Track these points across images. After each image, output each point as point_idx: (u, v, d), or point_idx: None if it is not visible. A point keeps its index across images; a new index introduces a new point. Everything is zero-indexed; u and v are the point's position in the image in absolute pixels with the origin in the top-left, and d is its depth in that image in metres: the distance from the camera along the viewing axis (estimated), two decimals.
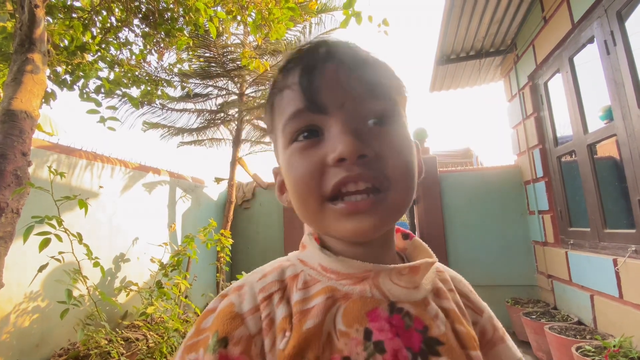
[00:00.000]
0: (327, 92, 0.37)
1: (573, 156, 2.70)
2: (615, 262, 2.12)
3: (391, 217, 0.38)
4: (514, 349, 0.47)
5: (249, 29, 2.59)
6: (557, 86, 2.83)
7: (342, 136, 0.35)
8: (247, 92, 4.46)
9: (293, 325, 0.36)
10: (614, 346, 1.84)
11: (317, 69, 0.38)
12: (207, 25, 2.34)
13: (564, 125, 2.84)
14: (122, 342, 2.19)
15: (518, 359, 0.46)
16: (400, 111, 0.41)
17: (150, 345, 2.20)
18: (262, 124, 4.78)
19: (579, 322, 2.52)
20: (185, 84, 3.84)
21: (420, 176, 0.44)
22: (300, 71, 0.38)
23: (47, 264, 1.85)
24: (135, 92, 2.92)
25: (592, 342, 2.03)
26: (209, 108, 4.53)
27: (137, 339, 2.26)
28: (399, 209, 0.39)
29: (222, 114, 4.52)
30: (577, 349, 1.97)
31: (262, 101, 4.23)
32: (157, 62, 3.13)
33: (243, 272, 2.80)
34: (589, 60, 2.39)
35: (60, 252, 1.89)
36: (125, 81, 2.61)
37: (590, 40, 2.30)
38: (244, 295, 0.40)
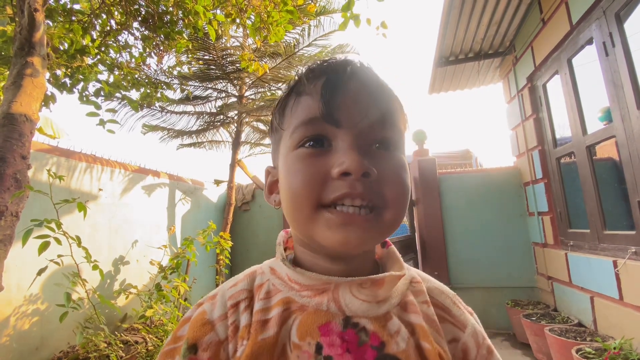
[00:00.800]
0: (345, 109, 0.39)
1: (572, 157, 2.70)
2: (615, 264, 2.12)
3: (381, 235, 0.39)
4: None
5: (248, 32, 2.59)
6: (556, 88, 2.84)
7: (350, 152, 0.37)
8: (246, 94, 4.46)
9: (250, 335, 0.38)
10: (615, 348, 1.84)
11: (341, 85, 0.40)
12: (206, 28, 2.35)
13: (563, 126, 2.85)
14: (122, 345, 2.18)
15: None
16: (403, 141, 0.44)
17: (149, 348, 2.20)
18: (261, 126, 4.79)
19: (579, 324, 2.51)
20: (184, 87, 3.85)
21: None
22: (325, 82, 0.40)
23: (46, 267, 1.85)
24: (134, 94, 2.93)
25: (593, 344, 2.02)
26: (208, 110, 4.53)
27: (137, 342, 2.26)
28: (390, 228, 0.40)
29: (221, 116, 4.52)
30: (578, 351, 1.96)
31: (262, 103, 4.24)
32: (157, 65, 3.14)
33: None
34: (588, 62, 2.40)
35: (59, 255, 1.89)
36: (124, 84, 2.61)
37: (589, 42, 2.31)
38: (216, 303, 0.42)
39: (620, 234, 2.18)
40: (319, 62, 0.44)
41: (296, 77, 0.45)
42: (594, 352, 1.92)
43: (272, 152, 0.50)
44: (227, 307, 0.41)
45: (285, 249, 0.48)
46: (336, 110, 0.39)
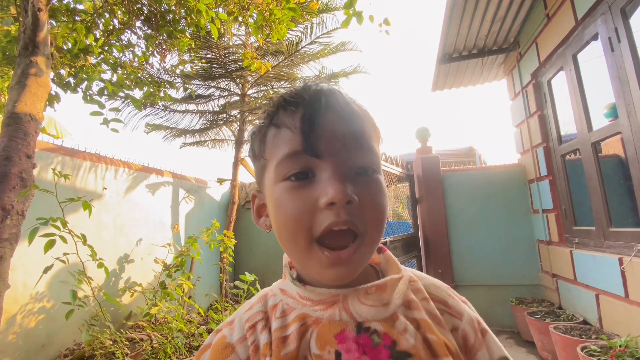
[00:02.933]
0: (325, 140, 0.41)
1: (577, 154, 2.67)
2: (620, 261, 2.10)
3: (366, 258, 0.43)
4: (495, 347, 0.47)
5: (250, 30, 2.59)
6: (560, 84, 2.81)
7: (334, 182, 0.39)
8: (249, 92, 4.47)
9: (272, 351, 0.41)
10: (620, 346, 1.82)
11: (318, 118, 0.42)
12: (208, 27, 2.35)
13: (568, 123, 2.82)
14: (127, 343, 2.20)
15: (502, 357, 0.46)
16: (379, 160, 0.46)
17: (154, 345, 2.22)
18: None
19: (584, 322, 2.50)
20: (187, 86, 3.86)
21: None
22: (302, 116, 0.42)
23: (52, 265, 1.86)
24: (138, 93, 2.93)
25: (598, 342, 2.01)
26: (211, 109, 4.54)
27: (142, 340, 2.28)
28: (372, 249, 0.43)
29: (224, 115, 4.53)
30: (583, 348, 1.95)
31: (264, 102, 4.24)
32: (160, 64, 3.15)
33: (246, 273, 2.81)
34: (593, 58, 2.37)
35: (65, 254, 1.91)
36: (128, 83, 2.62)
37: (594, 38, 2.28)
38: (234, 328, 0.46)
39: (626, 231, 2.16)
40: (293, 93, 0.45)
41: (272, 107, 0.47)
42: (599, 350, 1.91)
43: (256, 177, 0.51)
44: (245, 330, 0.44)
45: (290, 268, 0.51)
46: (316, 143, 0.41)
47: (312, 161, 0.41)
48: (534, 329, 2.66)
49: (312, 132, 0.41)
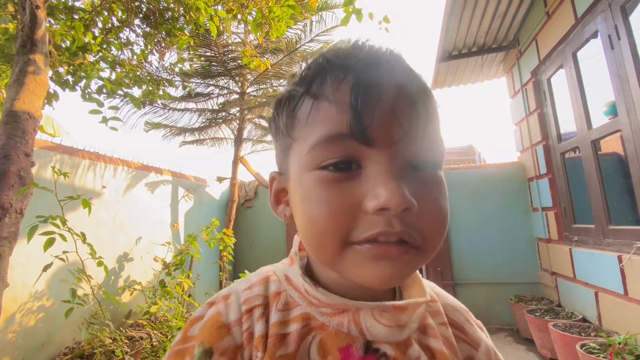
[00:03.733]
0: (382, 124, 0.32)
1: (577, 152, 2.68)
2: (620, 259, 2.10)
3: (417, 267, 0.35)
4: None
5: (249, 28, 2.58)
6: (560, 82, 2.81)
7: (389, 182, 0.30)
8: (248, 90, 4.46)
9: (267, 348, 0.35)
10: (619, 343, 1.83)
11: (375, 92, 0.32)
12: (207, 25, 2.34)
13: (567, 121, 2.82)
14: (127, 341, 2.20)
15: None
16: (443, 156, 0.37)
17: (154, 343, 2.22)
18: (263, 123, 4.78)
19: (584, 320, 2.51)
20: (186, 84, 3.85)
21: None
22: (353, 88, 0.32)
23: (51, 264, 1.86)
24: (136, 92, 2.92)
25: (597, 340, 2.02)
26: (210, 107, 4.53)
27: (141, 338, 2.28)
28: (425, 261, 0.35)
29: (223, 113, 4.52)
30: (582, 346, 1.96)
31: (264, 100, 4.23)
32: (158, 62, 3.14)
33: (246, 271, 2.80)
34: (593, 55, 2.37)
35: (64, 252, 1.90)
36: (126, 81, 2.61)
37: (594, 35, 2.28)
38: (230, 305, 0.39)
39: (625, 229, 2.16)
40: (341, 52, 0.35)
41: (309, 70, 0.37)
42: (598, 347, 1.91)
43: (278, 157, 0.42)
44: (242, 311, 0.38)
45: (301, 256, 0.44)
46: (370, 126, 0.31)
47: (360, 149, 0.32)
48: (533, 327, 2.67)
49: (364, 112, 0.31)
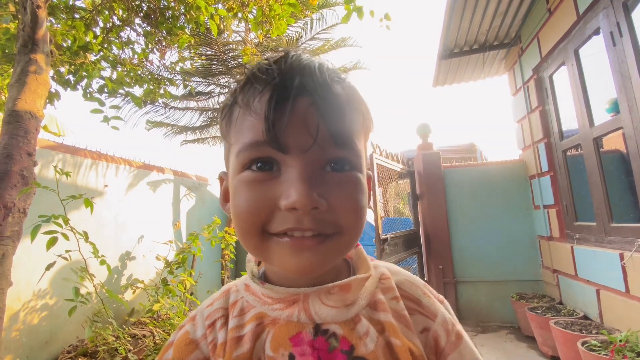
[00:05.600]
0: (293, 134, 0.35)
1: (579, 150, 2.67)
2: (621, 257, 2.10)
3: (336, 256, 0.39)
4: (467, 352, 0.43)
5: (250, 26, 2.58)
6: (562, 79, 2.80)
7: (299, 184, 0.34)
8: None
9: (225, 352, 0.39)
10: (620, 341, 1.83)
11: (286, 105, 0.35)
12: (208, 23, 2.34)
13: (569, 118, 2.81)
14: (129, 339, 2.22)
15: None
16: (362, 158, 0.40)
17: (157, 341, 2.23)
18: None
19: (585, 317, 2.51)
20: (187, 82, 3.85)
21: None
22: (269, 101, 0.35)
23: (54, 263, 1.87)
24: (138, 91, 2.93)
25: (598, 337, 2.02)
26: (211, 106, 4.54)
27: (144, 336, 2.29)
28: (345, 249, 0.39)
29: None
30: (583, 343, 1.96)
31: None
32: (159, 61, 3.14)
33: None
34: (595, 52, 2.36)
35: (67, 251, 1.91)
36: (128, 80, 2.62)
37: (596, 32, 2.27)
38: (197, 324, 0.43)
39: (627, 227, 2.16)
40: (265, 66, 0.38)
41: (241, 80, 0.40)
42: (599, 344, 1.91)
43: (224, 157, 0.46)
44: (206, 326, 0.42)
45: (259, 263, 0.48)
46: (282, 136, 0.35)
47: (278, 154, 0.36)
48: (535, 324, 2.67)
49: (277, 123, 0.35)
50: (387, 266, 0.49)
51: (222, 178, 0.47)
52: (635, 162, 2.00)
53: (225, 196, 0.46)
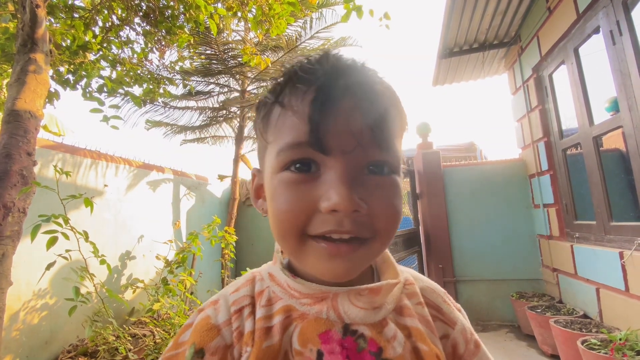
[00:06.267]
0: (336, 136, 0.35)
1: (578, 149, 2.67)
2: (621, 255, 2.10)
3: (368, 261, 0.39)
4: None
5: (249, 25, 2.58)
6: (562, 78, 2.80)
7: (340, 187, 0.34)
8: (248, 88, 4.45)
9: (254, 342, 0.38)
10: (620, 339, 1.83)
11: (331, 106, 0.35)
12: (207, 23, 2.34)
13: (569, 117, 2.81)
14: (130, 338, 2.22)
15: None
16: (400, 160, 0.40)
17: (157, 341, 2.23)
18: None
19: (585, 316, 2.51)
20: (187, 82, 3.85)
21: None
22: (312, 102, 0.36)
23: (54, 262, 1.87)
24: (137, 90, 2.92)
25: (598, 336, 2.02)
26: (210, 105, 4.53)
27: (144, 335, 2.29)
28: (376, 255, 0.40)
29: (224, 111, 4.52)
30: (583, 342, 1.96)
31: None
32: (159, 60, 3.13)
33: (247, 269, 2.81)
34: (595, 51, 2.36)
35: (67, 250, 1.91)
36: (127, 80, 2.61)
37: (596, 31, 2.27)
38: (219, 308, 0.42)
39: (626, 225, 2.16)
40: (307, 65, 0.38)
41: (281, 80, 0.40)
42: (599, 343, 1.91)
43: (258, 155, 0.46)
44: (230, 312, 0.41)
45: (282, 253, 0.48)
46: (325, 137, 0.35)
47: (319, 155, 0.36)
48: (535, 323, 2.67)
49: (320, 124, 0.35)
50: (410, 272, 0.50)
51: (255, 174, 0.47)
52: (635, 161, 2.00)
53: (257, 192, 0.47)
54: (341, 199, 0.34)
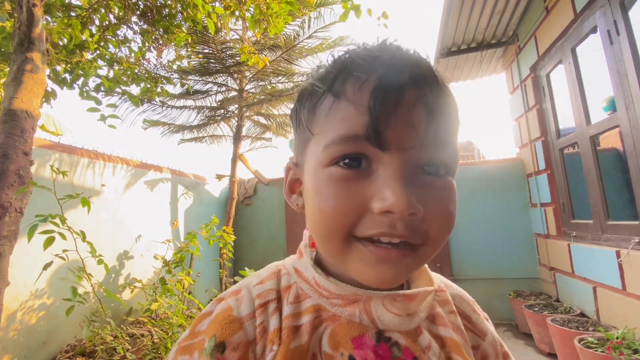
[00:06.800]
0: (396, 130, 0.32)
1: (576, 148, 2.68)
2: (618, 254, 2.11)
3: (417, 267, 0.36)
4: None
5: (247, 24, 2.57)
6: (559, 77, 2.81)
7: (396, 186, 0.31)
8: (246, 88, 4.44)
9: (282, 340, 0.35)
10: (617, 338, 1.84)
11: (394, 98, 0.32)
12: (205, 21, 2.33)
13: (566, 117, 2.82)
14: (128, 338, 2.21)
15: None
16: (456, 163, 0.37)
17: (155, 340, 2.23)
18: (262, 120, 4.77)
19: (582, 314, 2.52)
20: (184, 81, 3.84)
21: None
22: (374, 92, 0.32)
23: (51, 262, 1.86)
24: (135, 89, 2.91)
25: (595, 334, 2.03)
26: (208, 105, 4.52)
27: (142, 335, 2.29)
28: (427, 260, 0.36)
29: (222, 111, 4.51)
30: (580, 340, 1.97)
31: (262, 97, 4.22)
32: (156, 59, 3.12)
33: (246, 268, 2.81)
34: (592, 51, 2.36)
35: (64, 250, 1.91)
36: (124, 79, 2.60)
37: (593, 30, 2.27)
38: (241, 299, 0.39)
39: (623, 224, 2.17)
40: (366, 53, 0.35)
41: (333, 68, 0.37)
42: (596, 341, 1.92)
43: (296, 147, 0.43)
44: (255, 306, 0.38)
45: (313, 244, 0.44)
46: (385, 132, 0.32)
47: (374, 151, 0.33)
48: (532, 322, 2.69)
49: (381, 116, 0.32)
50: (439, 277, 0.47)
51: (290, 167, 0.44)
52: (632, 160, 2.01)
53: (291, 186, 0.43)
54: (398, 199, 0.31)
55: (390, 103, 0.32)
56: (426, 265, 0.44)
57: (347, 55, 0.36)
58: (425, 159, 0.34)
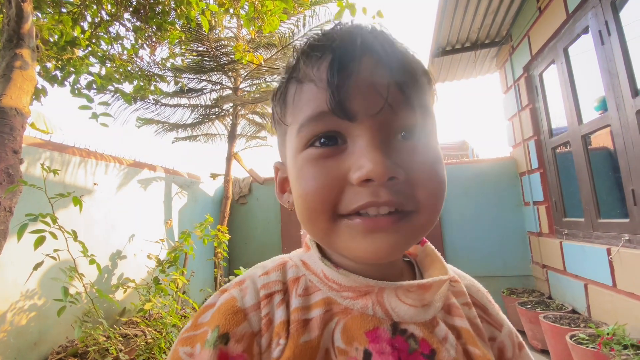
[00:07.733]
0: (360, 97, 0.32)
1: (568, 147, 2.71)
2: (609, 252, 2.14)
3: (414, 238, 0.35)
4: None
5: (242, 22, 2.56)
6: (552, 77, 2.84)
7: (371, 152, 0.31)
8: (241, 86, 4.42)
9: (290, 334, 0.34)
10: (608, 334, 1.87)
11: (351, 66, 0.32)
12: (199, 19, 2.31)
13: (558, 116, 2.85)
14: (121, 339, 2.19)
15: None
16: (434, 122, 0.36)
17: (148, 341, 2.21)
18: (257, 119, 4.75)
19: (573, 311, 2.56)
20: (178, 79, 3.80)
21: None
22: (330, 65, 0.32)
23: (42, 262, 1.84)
24: (127, 87, 2.88)
25: (586, 330, 2.06)
26: (203, 103, 4.49)
27: (136, 335, 2.27)
28: (424, 230, 0.35)
29: (216, 109, 4.48)
30: (572, 337, 2.00)
31: (257, 95, 4.20)
32: (150, 57, 3.09)
33: (241, 267, 2.80)
34: (584, 51, 2.39)
35: (55, 250, 1.88)
36: (117, 76, 2.57)
37: (585, 31, 2.30)
38: (246, 290, 0.37)
39: (614, 222, 2.20)
40: (319, 33, 0.36)
41: (294, 56, 0.37)
42: (587, 338, 1.95)
43: (279, 145, 0.43)
44: (260, 297, 0.37)
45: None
46: (349, 101, 0.31)
47: (344, 124, 0.32)
48: (525, 319, 2.72)
49: (342, 86, 0.31)
50: (452, 268, 0.46)
51: (278, 168, 0.44)
52: (622, 159, 2.04)
53: (281, 186, 0.44)
54: (374, 164, 0.30)
55: (347, 71, 0.32)
56: (438, 254, 0.43)
57: (305, 41, 0.37)
58: (400, 124, 0.33)
